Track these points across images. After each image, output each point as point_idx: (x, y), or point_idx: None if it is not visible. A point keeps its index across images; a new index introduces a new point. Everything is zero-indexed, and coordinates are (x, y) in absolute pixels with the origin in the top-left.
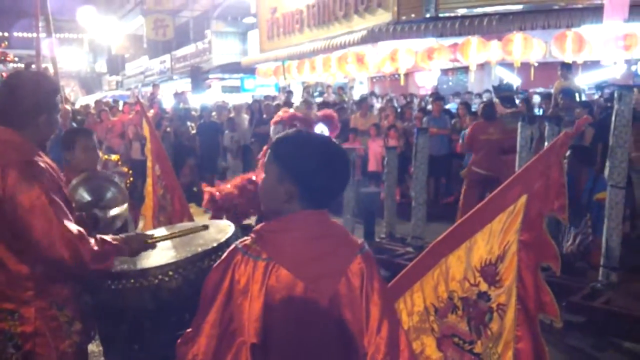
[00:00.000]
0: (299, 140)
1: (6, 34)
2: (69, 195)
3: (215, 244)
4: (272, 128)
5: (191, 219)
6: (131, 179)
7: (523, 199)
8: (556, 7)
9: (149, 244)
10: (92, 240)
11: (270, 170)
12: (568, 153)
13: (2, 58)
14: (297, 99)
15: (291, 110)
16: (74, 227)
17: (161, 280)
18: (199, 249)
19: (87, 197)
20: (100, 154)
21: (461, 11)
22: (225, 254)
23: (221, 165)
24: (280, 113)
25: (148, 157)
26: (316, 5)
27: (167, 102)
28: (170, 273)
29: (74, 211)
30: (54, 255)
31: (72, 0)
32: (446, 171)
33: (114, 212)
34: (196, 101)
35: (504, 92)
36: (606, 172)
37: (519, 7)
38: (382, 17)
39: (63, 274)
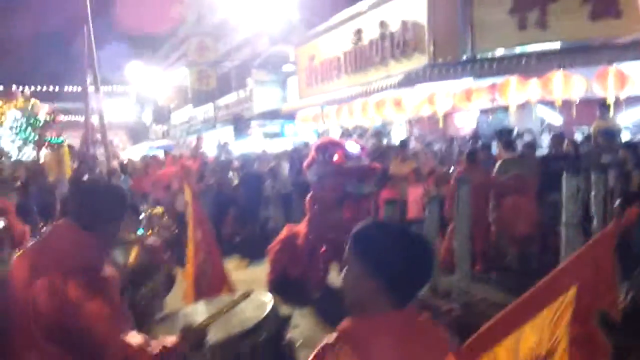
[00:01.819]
0: (379, 233)
1: (57, 89)
2: None
3: (251, 325)
4: (308, 172)
5: (230, 285)
6: (175, 230)
7: (573, 290)
8: (595, 44)
9: (204, 333)
10: (149, 349)
11: (352, 264)
12: (618, 201)
13: (52, 119)
14: None
15: None
16: (133, 341)
17: None
18: (236, 330)
19: (121, 259)
20: (146, 207)
21: (499, 52)
22: (313, 356)
23: (263, 215)
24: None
25: (189, 223)
26: (353, 52)
27: (211, 151)
28: (208, 356)
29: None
30: None
31: (120, 56)
32: None
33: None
34: (238, 148)
35: (504, 137)
36: None
37: (557, 45)
38: (419, 61)
39: None
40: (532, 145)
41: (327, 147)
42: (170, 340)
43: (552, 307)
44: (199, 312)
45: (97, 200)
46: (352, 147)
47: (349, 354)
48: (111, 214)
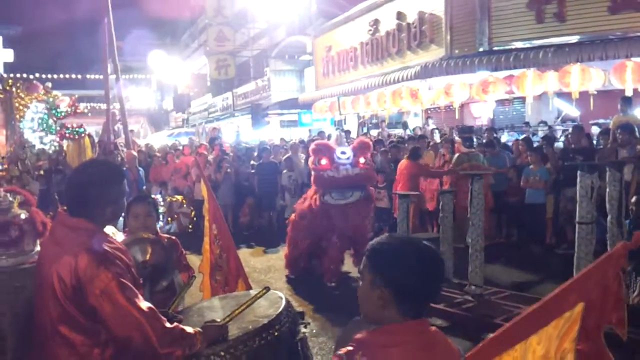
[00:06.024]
0: (392, 246)
1: (79, 77)
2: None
3: (266, 321)
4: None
5: (246, 279)
6: (194, 218)
7: (580, 307)
8: (613, 37)
9: (224, 328)
10: (165, 322)
11: (364, 275)
12: (634, 199)
13: (73, 110)
14: (352, 132)
15: None
16: (144, 305)
17: None
18: (250, 327)
19: (139, 257)
20: (165, 194)
21: (516, 44)
22: None
23: (279, 204)
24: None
25: (205, 217)
26: (370, 43)
27: (229, 137)
28: (222, 353)
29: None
30: (124, 335)
31: (143, 45)
32: (503, 208)
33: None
34: (256, 136)
35: (465, 134)
36: None
37: (575, 38)
38: (435, 53)
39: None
40: (550, 139)
41: (318, 151)
42: (189, 328)
43: (559, 322)
44: (215, 307)
45: (84, 189)
46: (342, 153)
47: None
48: (101, 199)
